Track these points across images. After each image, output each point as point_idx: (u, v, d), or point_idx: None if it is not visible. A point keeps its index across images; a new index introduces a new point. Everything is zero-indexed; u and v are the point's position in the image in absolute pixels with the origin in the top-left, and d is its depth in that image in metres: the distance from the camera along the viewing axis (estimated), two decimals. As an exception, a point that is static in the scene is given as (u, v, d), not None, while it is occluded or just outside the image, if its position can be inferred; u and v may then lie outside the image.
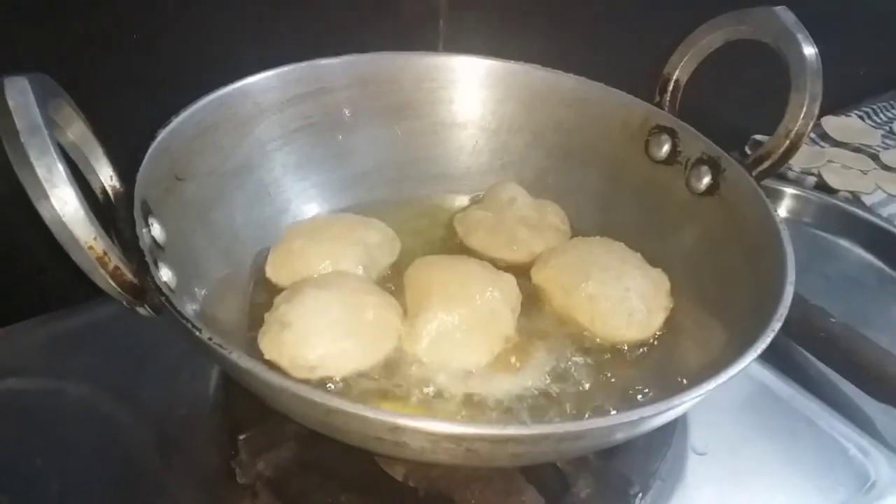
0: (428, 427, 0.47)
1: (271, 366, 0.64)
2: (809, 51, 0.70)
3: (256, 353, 0.65)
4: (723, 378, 0.52)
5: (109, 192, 0.61)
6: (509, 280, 0.73)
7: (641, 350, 0.73)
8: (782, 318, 0.57)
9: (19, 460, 0.65)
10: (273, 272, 0.74)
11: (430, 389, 0.66)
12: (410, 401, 0.65)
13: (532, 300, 0.76)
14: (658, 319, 0.74)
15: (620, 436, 0.54)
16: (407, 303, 0.71)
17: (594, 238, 0.80)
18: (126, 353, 0.75)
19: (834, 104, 1.43)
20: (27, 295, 0.80)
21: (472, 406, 0.65)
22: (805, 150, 1.29)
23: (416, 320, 0.69)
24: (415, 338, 0.68)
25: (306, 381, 0.64)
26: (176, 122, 0.68)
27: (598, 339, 0.72)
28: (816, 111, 0.70)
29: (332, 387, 0.65)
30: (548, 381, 0.68)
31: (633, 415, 0.49)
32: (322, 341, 0.65)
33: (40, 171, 0.47)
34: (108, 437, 0.68)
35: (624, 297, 0.73)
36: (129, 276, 0.52)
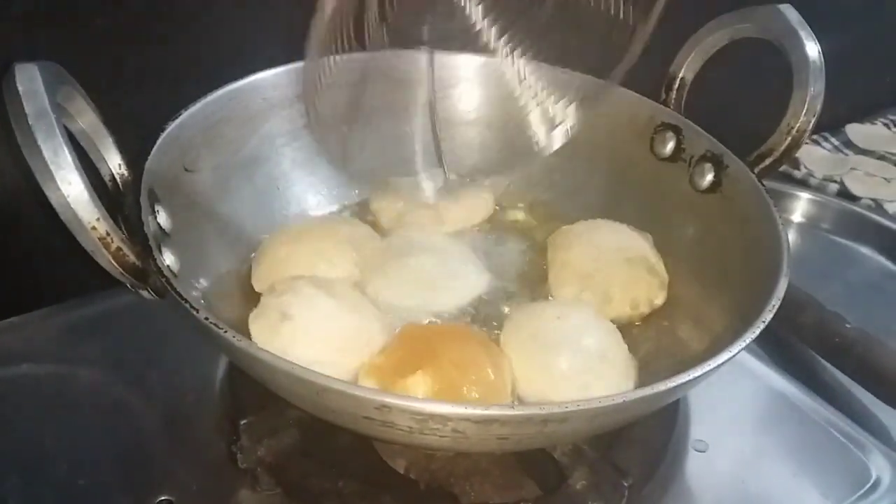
0: (413, 406, 0.48)
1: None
2: (811, 47, 0.70)
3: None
4: (710, 366, 0.52)
5: (118, 179, 0.63)
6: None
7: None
8: (774, 310, 0.57)
9: (30, 442, 0.67)
10: (260, 284, 0.72)
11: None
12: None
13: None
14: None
15: (606, 421, 0.54)
16: None
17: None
18: (138, 342, 0.77)
19: (859, 112, 1.42)
20: (45, 284, 0.83)
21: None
22: (828, 157, 1.29)
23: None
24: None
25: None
26: (186, 114, 0.70)
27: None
28: (819, 108, 0.70)
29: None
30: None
31: (618, 398, 0.49)
32: (320, 346, 0.63)
33: (47, 154, 0.49)
34: (116, 421, 0.70)
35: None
36: (131, 257, 0.54)
